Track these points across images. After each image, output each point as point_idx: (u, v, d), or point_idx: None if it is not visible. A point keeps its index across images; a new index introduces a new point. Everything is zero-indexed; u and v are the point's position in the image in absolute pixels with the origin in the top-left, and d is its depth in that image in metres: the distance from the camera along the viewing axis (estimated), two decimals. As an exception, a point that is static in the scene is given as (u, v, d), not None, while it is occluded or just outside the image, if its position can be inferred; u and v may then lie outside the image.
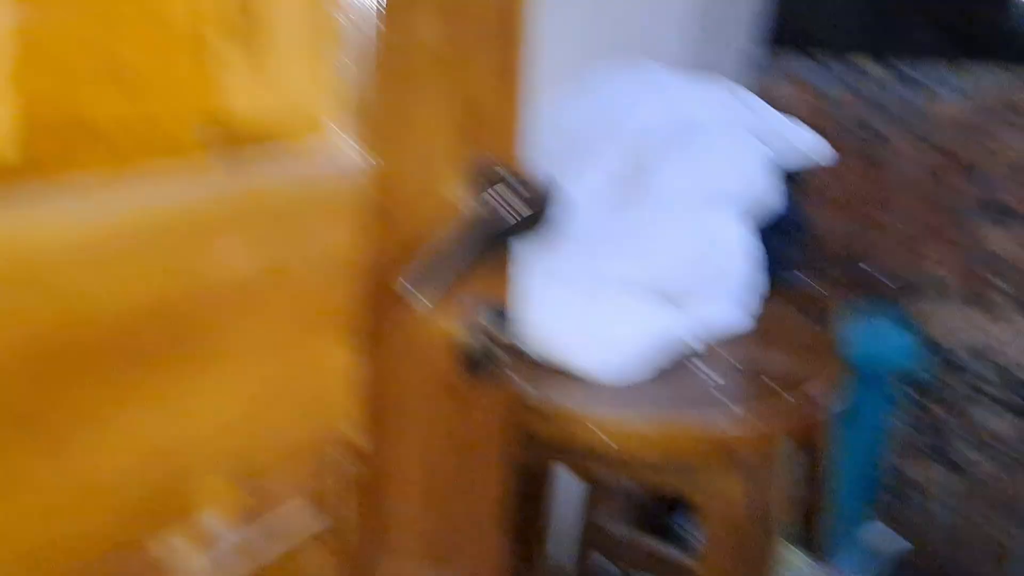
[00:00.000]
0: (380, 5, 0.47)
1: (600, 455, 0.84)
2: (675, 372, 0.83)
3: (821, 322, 1.03)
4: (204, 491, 0.43)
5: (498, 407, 0.65)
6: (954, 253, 1.81)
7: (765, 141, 0.99)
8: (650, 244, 0.84)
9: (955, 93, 1.79)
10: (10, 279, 0.33)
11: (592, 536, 1.38)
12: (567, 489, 1.56)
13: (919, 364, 1.78)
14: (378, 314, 0.52)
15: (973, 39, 1.76)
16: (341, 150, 0.47)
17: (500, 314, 0.61)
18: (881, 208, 1.86)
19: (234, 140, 0.42)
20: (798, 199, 1.25)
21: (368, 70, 0.47)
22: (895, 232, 1.85)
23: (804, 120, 1.16)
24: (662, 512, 1.75)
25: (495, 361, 0.61)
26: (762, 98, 1.19)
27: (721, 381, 0.83)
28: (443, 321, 0.58)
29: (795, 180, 1.10)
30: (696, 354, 0.86)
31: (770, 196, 0.97)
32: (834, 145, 1.17)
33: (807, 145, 1.04)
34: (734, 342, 0.90)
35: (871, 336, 1.63)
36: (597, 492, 1.37)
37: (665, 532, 1.63)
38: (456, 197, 0.55)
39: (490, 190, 0.56)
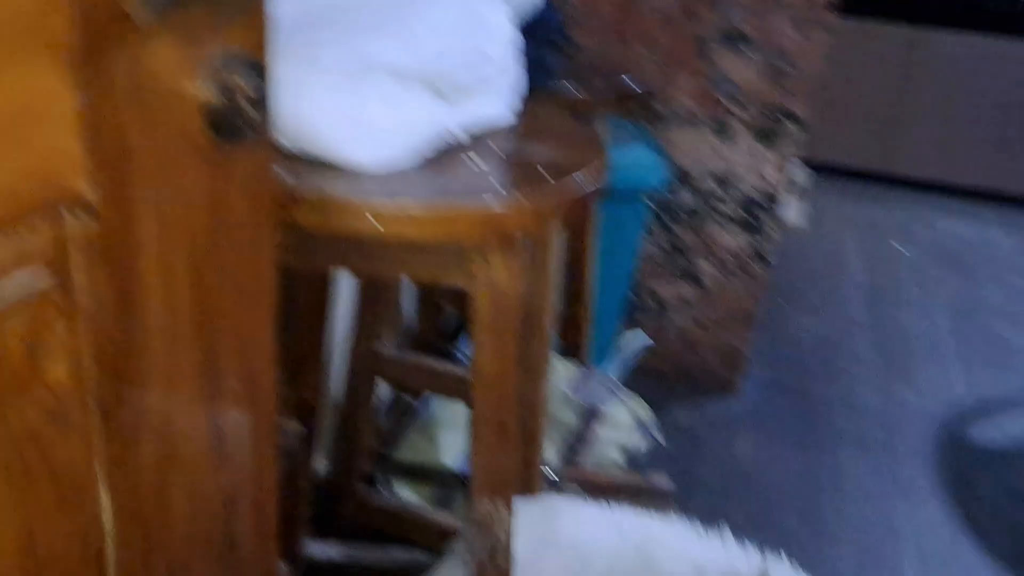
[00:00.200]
0: None
1: (373, 250, 0.82)
2: (443, 161, 0.81)
3: (585, 123, 1.06)
4: None
5: (258, 181, 0.60)
6: (697, 81, 1.94)
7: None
8: (415, 27, 0.80)
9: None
10: None
11: (368, 358, 1.38)
12: (343, 317, 1.54)
13: (666, 186, 1.92)
14: (100, 40, 0.44)
15: None
16: None
17: (252, 67, 0.55)
18: (635, 38, 1.93)
19: None
20: (559, 11, 1.26)
21: None
22: (647, 60, 1.94)
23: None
24: (441, 340, 1.80)
25: (248, 122, 0.55)
26: None
27: (490, 169, 0.83)
28: (185, 72, 0.51)
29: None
30: (463, 144, 0.85)
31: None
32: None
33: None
34: (501, 135, 0.89)
35: (623, 158, 1.72)
36: (372, 314, 1.37)
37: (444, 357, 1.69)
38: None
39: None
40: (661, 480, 1.61)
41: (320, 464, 1.53)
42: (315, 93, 0.77)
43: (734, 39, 1.89)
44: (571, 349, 1.65)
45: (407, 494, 1.55)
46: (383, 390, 1.72)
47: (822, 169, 3.80)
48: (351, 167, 0.77)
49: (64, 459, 0.49)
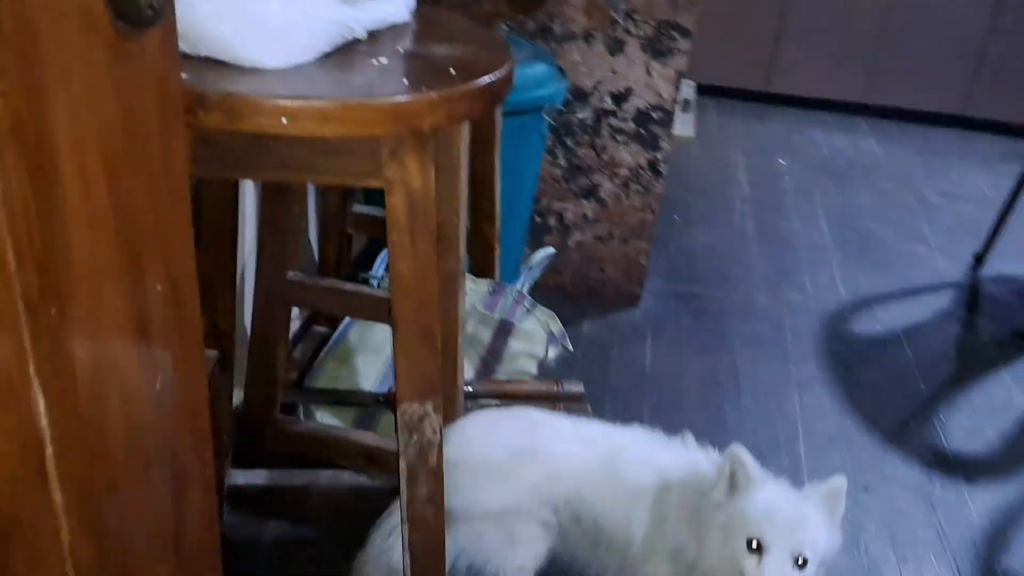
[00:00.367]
0: None
1: (282, 153, 0.81)
2: (345, 58, 0.80)
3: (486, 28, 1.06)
4: None
5: (164, 71, 0.58)
6: (589, -3, 1.95)
7: None
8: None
9: None
10: None
11: (278, 286, 1.37)
12: (249, 247, 1.51)
13: (563, 102, 1.95)
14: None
15: None
16: None
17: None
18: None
19: None
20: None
21: None
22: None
23: None
24: (350, 269, 1.79)
25: (150, 5, 0.53)
26: None
27: (396, 66, 0.83)
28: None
29: None
30: (363, 42, 0.84)
31: None
32: None
33: None
34: (401, 34, 0.89)
35: (521, 75, 1.73)
36: (277, 242, 1.34)
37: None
38: None
39: None
40: (574, 386, 1.68)
41: (237, 397, 1.51)
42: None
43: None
44: (481, 267, 1.68)
45: (328, 420, 1.56)
46: (295, 326, 1.71)
47: (707, 90, 3.91)
48: (250, 65, 0.75)
49: (-7, 358, 0.48)
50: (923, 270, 2.64)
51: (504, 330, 1.67)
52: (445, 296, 0.96)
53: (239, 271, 1.37)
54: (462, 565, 1.15)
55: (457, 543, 1.13)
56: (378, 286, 1.64)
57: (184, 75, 0.71)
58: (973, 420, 1.94)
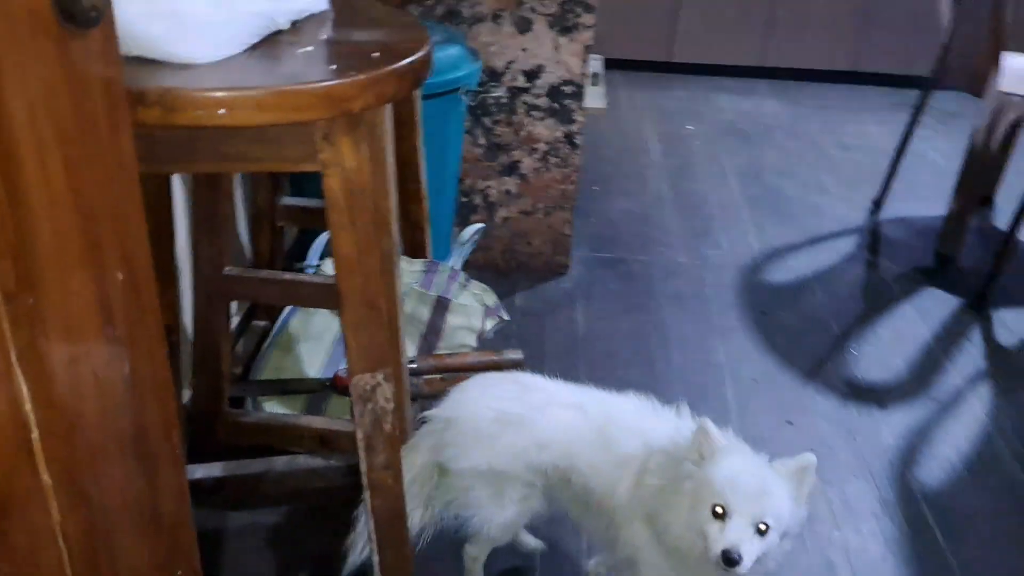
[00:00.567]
0: None
1: (219, 143, 0.85)
2: (271, 49, 0.84)
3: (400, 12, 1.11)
4: None
5: (109, 68, 0.61)
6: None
7: None
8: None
9: None
10: None
11: (215, 281, 1.39)
12: (182, 244, 1.52)
13: (478, 83, 2.00)
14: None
15: None
16: None
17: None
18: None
19: None
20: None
21: None
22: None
23: None
24: (284, 261, 1.81)
25: (94, 5, 0.57)
26: None
27: (322, 53, 0.87)
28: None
29: None
30: (287, 32, 0.88)
31: None
32: None
33: None
34: (322, 23, 0.93)
35: (438, 59, 1.78)
36: (210, 239, 1.36)
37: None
38: None
39: None
40: (513, 353, 1.74)
41: (184, 396, 1.53)
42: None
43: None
44: (413, 248, 1.73)
45: (278, 410, 1.59)
46: (234, 323, 1.72)
47: (614, 64, 4.03)
48: (181, 61, 0.78)
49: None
50: (827, 218, 2.81)
51: (442, 306, 1.73)
52: (385, 264, 1.01)
53: (175, 270, 1.38)
54: (452, 514, 1.20)
55: (449, 493, 1.19)
56: (314, 274, 1.67)
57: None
58: (882, 351, 2.10)
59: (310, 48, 0.86)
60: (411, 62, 0.87)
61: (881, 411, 1.88)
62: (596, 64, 3.78)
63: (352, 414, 1.05)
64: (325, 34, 0.92)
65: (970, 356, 2.10)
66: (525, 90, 2.13)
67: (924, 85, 2.68)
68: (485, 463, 1.15)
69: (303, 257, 1.77)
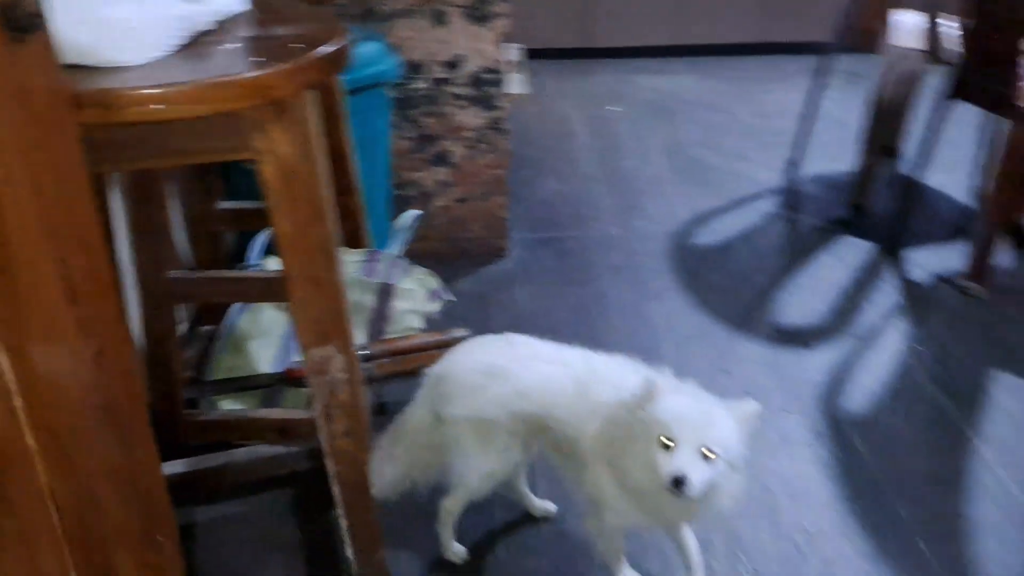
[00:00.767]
0: None
1: (155, 140, 0.91)
2: (199, 48, 0.91)
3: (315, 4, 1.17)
4: None
5: (53, 74, 0.67)
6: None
7: None
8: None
9: None
10: None
11: (159, 286, 1.43)
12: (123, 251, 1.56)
13: (400, 77, 2.07)
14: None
15: None
16: None
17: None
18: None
19: None
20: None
21: None
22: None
23: None
24: (223, 264, 1.85)
25: (35, 16, 0.63)
26: None
27: (247, 47, 0.93)
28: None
29: None
30: (212, 31, 0.94)
31: None
32: None
33: None
34: (244, 21, 0.99)
35: (358, 56, 1.84)
36: (147, 245, 1.41)
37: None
38: None
39: None
40: (460, 332, 1.82)
41: (140, 401, 1.56)
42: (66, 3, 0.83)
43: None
44: (352, 239, 1.79)
45: (234, 407, 1.64)
46: (181, 329, 1.76)
47: (537, 53, 4.12)
48: (113, 65, 0.84)
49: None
50: (748, 182, 2.95)
51: (386, 292, 1.79)
52: (323, 252, 1.07)
53: (118, 280, 1.42)
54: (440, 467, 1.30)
55: (440, 439, 1.28)
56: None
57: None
58: (804, 298, 2.23)
59: (236, 44, 0.93)
60: (330, 51, 0.94)
61: (808, 351, 2.01)
62: (516, 52, 3.87)
63: (309, 396, 1.11)
64: (248, 31, 0.98)
65: (885, 294, 2.25)
66: (447, 80, 2.20)
67: (827, 49, 2.84)
68: (473, 411, 1.24)
69: (243, 259, 1.81)
